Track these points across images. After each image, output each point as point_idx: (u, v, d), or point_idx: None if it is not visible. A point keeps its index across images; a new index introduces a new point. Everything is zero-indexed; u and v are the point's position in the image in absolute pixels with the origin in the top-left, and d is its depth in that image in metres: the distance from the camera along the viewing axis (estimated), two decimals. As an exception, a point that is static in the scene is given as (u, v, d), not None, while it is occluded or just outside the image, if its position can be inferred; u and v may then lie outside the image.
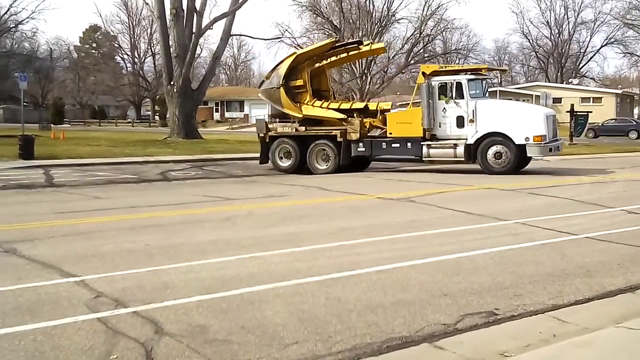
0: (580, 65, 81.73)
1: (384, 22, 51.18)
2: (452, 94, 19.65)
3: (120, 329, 5.48)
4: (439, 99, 19.80)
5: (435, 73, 20.48)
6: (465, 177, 18.46)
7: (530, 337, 5.46)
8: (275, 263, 7.81)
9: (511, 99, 62.17)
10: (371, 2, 51.34)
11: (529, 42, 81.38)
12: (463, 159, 19.77)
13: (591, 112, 40.76)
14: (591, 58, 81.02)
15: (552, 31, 79.02)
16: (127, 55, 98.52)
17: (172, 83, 38.26)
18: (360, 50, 23.61)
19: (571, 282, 7.18)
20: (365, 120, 21.28)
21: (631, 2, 61.81)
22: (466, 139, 19.57)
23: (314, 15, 51.12)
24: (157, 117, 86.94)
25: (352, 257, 8.15)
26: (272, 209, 12.47)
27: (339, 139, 20.91)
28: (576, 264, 8.03)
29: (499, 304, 6.35)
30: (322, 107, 22.11)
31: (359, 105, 23.50)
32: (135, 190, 15.83)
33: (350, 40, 24.02)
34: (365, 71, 49.39)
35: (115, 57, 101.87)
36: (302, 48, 26.68)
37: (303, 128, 21.96)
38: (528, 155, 19.60)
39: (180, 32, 37.65)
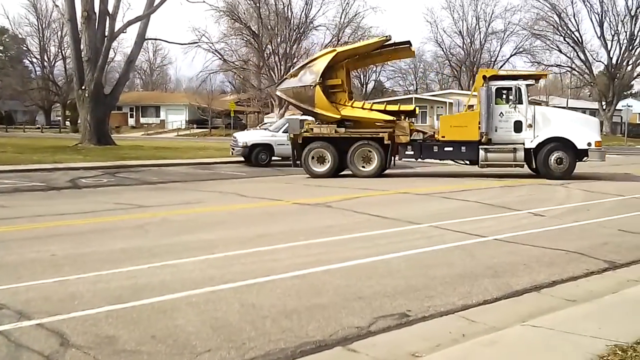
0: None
1: (302, 29, 51.46)
2: (512, 99, 19.97)
3: (23, 342, 5.22)
4: (496, 104, 20.07)
5: (495, 77, 20.65)
6: (381, 182, 18.76)
7: (440, 337, 5.58)
8: (189, 271, 7.66)
9: (427, 106, 64.03)
10: (289, 8, 51.56)
11: (443, 51, 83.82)
12: (523, 163, 20.22)
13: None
14: (501, 67, 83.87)
15: (465, 40, 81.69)
16: (37, 58, 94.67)
17: (83, 87, 36.99)
18: (410, 51, 23.33)
19: (480, 282, 7.40)
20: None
21: (538, 13, 64.69)
22: (523, 144, 19.89)
23: (232, 20, 50.74)
24: (67, 123, 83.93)
25: (267, 263, 8.11)
26: (187, 215, 12.25)
27: (386, 142, 20.57)
28: (485, 265, 8.28)
29: (412, 306, 6.46)
30: (364, 109, 21.73)
31: (408, 107, 22.97)
32: (42, 198, 15.17)
33: (400, 41, 22.68)
34: (284, 77, 49.52)
35: (24, 60, 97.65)
36: (334, 48, 24.41)
37: (342, 129, 21.14)
38: (589, 159, 20.23)
39: (92, 35, 36.48)
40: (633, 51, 62.45)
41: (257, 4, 49.48)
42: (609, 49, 63.46)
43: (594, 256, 8.81)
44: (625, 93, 67.60)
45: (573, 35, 63.88)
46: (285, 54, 49.56)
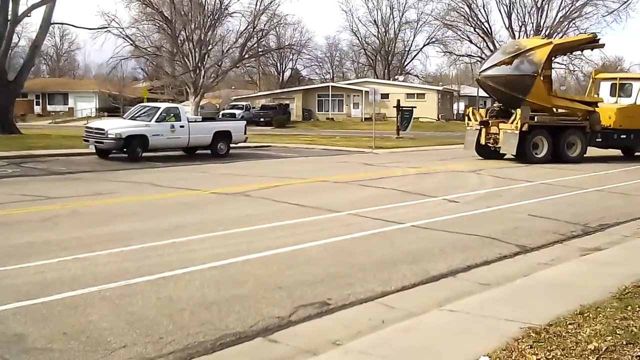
0: (406, 63, 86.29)
1: (217, 15, 50.46)
2: None
3: None
4: None
5: None
6: (301, 171, 18.75)
7: (360, 324, 5.60)
8: (102, 264, 7.37)
9: (343, 95, 64.52)
10: (204, -6, 50.53)
11: (358, 39, 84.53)
12: None
13: (415, 107, 43.21)
14: (415, 56, 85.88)
15: (380, 30, 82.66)
16: None
17: (-15, 73, 34.96)
18: (600, 44, 24.82)
19: (399, 269, 7.50)
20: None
21: (450, 4, 66.08)
22: None
23: (143, 5, 49.17)
24: (-31, 111, 79.22)
25: (185, 254, 7.91)
26: (98, 207, 11.79)
27: (587, 130, 22.71)
28: (403, 251, 8.41)
29: (332, 294, 6.47)
30: (567, 99, 23.69)
31: (594, 98, 24.08)
32: (-59, 190, 14.25)
33: (596, 37, 24.40)
34: (199, 64, 48.50)
35: None
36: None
37: (556, 118, 22.84)
38: None
39: (-6, 18, 34.48)
40: (539, 43, 64.97)
41: (170, -11, 48.32)
42: (516, 39, 65.76)
43: (506, 241, 9.11)
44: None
45: (483, 26, 65.67)
46: (199, 40, 48.46)
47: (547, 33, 63.78)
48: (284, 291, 6.53)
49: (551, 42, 23.53)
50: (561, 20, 62.94)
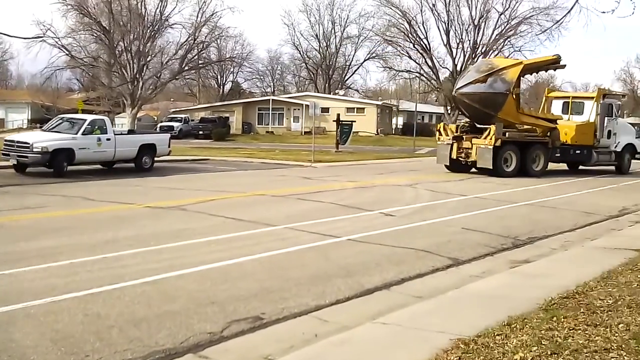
0: (346, 77, 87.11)
1: (157, 27, 49.78)
2: (613, 113, 25.85)
3: None
4: (606, 116, 25.27)
5: (605, 95, 26.27)
6: (239, 184, 18.63)
7: (294, 338, 5.58)
8: (29, 280, 7.12)
9: (284, 108, 64.57)
10: (143, 5, 49.71)
11: (300, 53, 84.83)
12: (615, 163, 26.27)
13: (355, 121, 43.65)
14: (355, 71, 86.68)
15: (321, 44, 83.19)
16: None
17: None
18: (561, 65, 25.51)
19: (334, 282, 7.52)
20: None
21: (390, 20, 67.09)
22: (608, 147, 25.70)
23: (81, 15, 48.10)
24: None
25: (115, 269, 7.72)
26: (26, 221, 11.39)
27: (549, 146, 24.23)
28: (338, 265, 8.44)
29: (265, 309, 6.43)
30: (532, 116, 24.82)
31: (554, 116, 25.56)
32: None
33: (557, 59, 25.11)
34: (137, 76, 47.68)
35: None
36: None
37: (524, 134, 24.11)
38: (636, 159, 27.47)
39: None
40: (476, 59, 66.47)
41: (109, -1, 47.45)
42: (454, 56, 67.16)
43: (439, 254, 9.26)
44: (468, 99, 71.80)
45: (422, 43, 66.88)
46: (138, 51, 47.69)
47: (483, 50, 65.60)
48: (217, 306, 6.45)
49: (521, 62, 24.80)
50: (497, 38, 64.86)
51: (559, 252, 9.62)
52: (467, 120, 25.01)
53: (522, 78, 24.97)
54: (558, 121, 25.09)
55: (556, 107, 26.63)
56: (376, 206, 13.97)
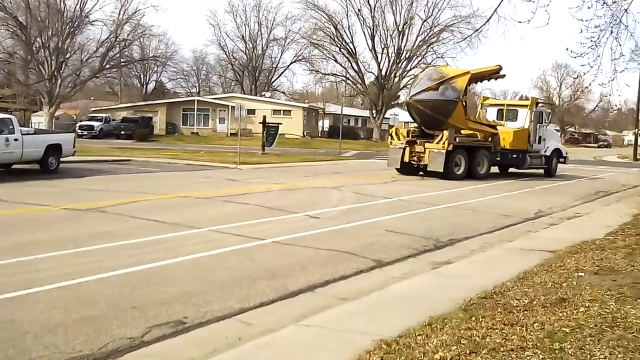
0: (273, 80, 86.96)
1: (77, 23, 48.24)
2: (544, 120, 28.34)
3: None
4: (538, 122, 27.67)
5: (537, 103, 28.83)
6: (162, 186, 18.26)
7: (217, 342, 5.51)
8: None
9: (209, 109, 63.84)
10: (62, 0, 48.15)
11: (226, 54, 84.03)
12: (545, 166, 28.45)
13: (281, 123, 43.60)
14: (282, 73, 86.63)
15: (247, 45, 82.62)
16: None
17: None
18: (501, 75, 26.77)
19: (258, 285, 7.47)
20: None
21: (317, 23, 67.57)
22: (539, 152, 27.92)
23: (-5, 9, 46.11)
24: None
25: (30, 274, 7.42)
26: None
27: (492, 150, 25.70)
28: (263, 267, 8.39)
29: (188, 312, 6.32)
30: (478, 122, 26.19)
31: (495, 122, 27.11)
32: None
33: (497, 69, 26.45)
34: (56, 73, 46.04)
35: None
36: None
37: (471, 139, 25.45)
38: (564, 163, 30.27)
39: None
40: (400, 64, 67.92)
41: (26, -7, 45.60)
42: (379, 61, 68.40)
43: (363, 255, 9.36)
44: (393, 103, 72.94)
45: (348, 47, 67.80)
46: (57, 48, 46.06)
47: (407, 56, 67.12)
48: (137, 311, 6.29)
49: (469, 72, 25.68)
50: (421, 44, 66.41)
51: (478, 254, 9.90)
52: (416, 125, 26.16)
53: (468, 87, 26.14)
54: (499, 127, 26.65)
55: (491, 114, 28.29)
56: (302, 208, 13.99)
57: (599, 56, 10.95)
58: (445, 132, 23.83)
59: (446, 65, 27.06)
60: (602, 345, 4.95)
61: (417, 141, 24.79)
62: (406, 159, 24.86)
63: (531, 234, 11.99)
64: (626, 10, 10.66)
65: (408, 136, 25.27)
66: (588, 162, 37.56)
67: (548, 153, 28.56)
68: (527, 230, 12.56)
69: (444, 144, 23.69)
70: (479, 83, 28.10)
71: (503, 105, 29.95)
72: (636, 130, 60.68)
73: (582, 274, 7.74)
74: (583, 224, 13.22)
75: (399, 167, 25.31)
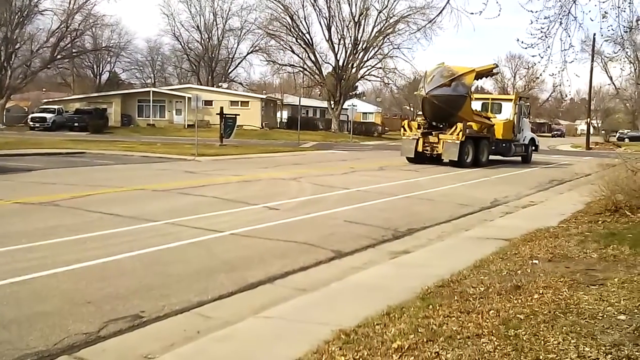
0: (230, 70, 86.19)
1: (26, 12, 47.08)
2: (525, 112, 32.21)
3: None
4: (520, 115, 30.87)
5: (520, 97, 32.93)
6: (118, 179, 17.97)
7: (175, 336, 5.46)
8: None
9: (165, 101, 63.04)
10: (11, -11, 46.87)
11: (181, 44, 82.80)
12: (524, 154, 31.64)
13: (239, 114, 43.31)
14: (239, 64, 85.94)
15: (203, 36, 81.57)
16: None
17: None
18: (495, 73, 32.63)
19: (216, 278, 7.43)
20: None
21: (273, 14, 67.18)
22: (519, 141, 30.99)
23: (-60, -3, 44.64)
24: None
25: (-20, 270, 7.22)
26: None
27: (491, 140, 28.75)
28: (222, 260, 8.35)
29: (145, 306, 6.24)
30: (481, 115, 28.76)
31: (491, 115, 29.90)
32: None
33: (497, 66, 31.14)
34: (5, 64, 44.87)
35: None
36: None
37: (475, 131, 28.19)
38: (535, 151, 33.33)
39: None
40: (357, 55, 68.16)
41: (-28, -19, 44.25)
42: (336, 51, 68.45)
43: (322, 246, 9.38)
44: (350, 93, 73.06)
45: (304, 37, 67.62)
46: (5, 38, 44.96)
47: (364, 47, 67.32)
48: (93, 306, 6.18)
49: (474, 70, 27.87)
50: (376, 35, 66.68)
51: (436, 243, 10.02)
52: (423, 118, 28.62)
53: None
54: (492, 120, 29.43)
55: (476, 107, 29.83)
56: (260, 200, 13.94)
57: (549, 47, 11.10)
58: (459, 125, 26.38)
59: (443, 63, 28.14)
60: (555, 331, 5.06)
61: (432, 132, 27.34)
62: (419, 149, 27.35)
63: (487, 223, 12.19)
64: (574, 2, 10.82)
65: (420, 128, 27.79)
66: (543, 151, 38.29)
67: (526, 142, 31.91)
68: (483, 219, 12.77)
69: (458, 135, 26.27)
70: (478, 80, 31.20)
71: (488, 99, 33.04)
72: (588, 120, 62.29)
73: (537, 261, 7.90)
74: (538, 212, 13.49)
75: (412, 156, 27.61)
